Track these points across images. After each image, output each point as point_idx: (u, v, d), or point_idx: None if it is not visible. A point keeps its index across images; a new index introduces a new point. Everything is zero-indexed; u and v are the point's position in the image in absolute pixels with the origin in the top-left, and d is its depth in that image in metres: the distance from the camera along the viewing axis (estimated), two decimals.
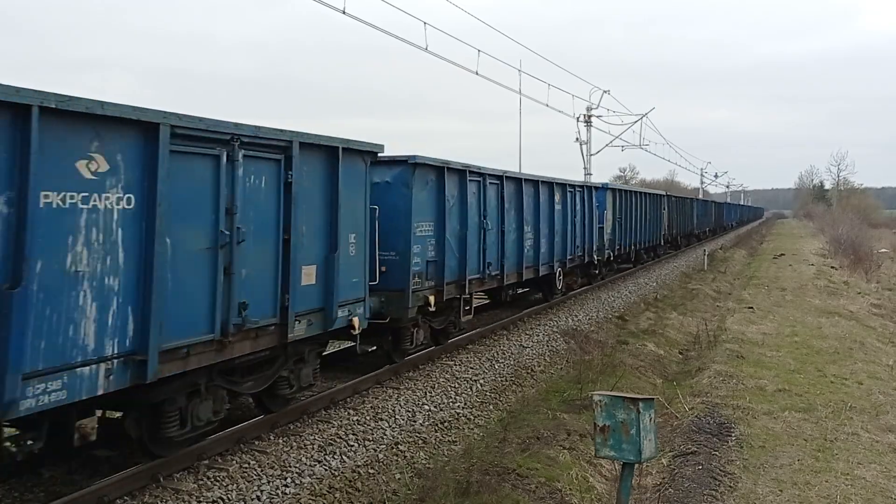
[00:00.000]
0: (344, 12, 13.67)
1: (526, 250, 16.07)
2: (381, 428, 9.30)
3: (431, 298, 11.75)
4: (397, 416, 9.77)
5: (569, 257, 19.38)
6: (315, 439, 8.67)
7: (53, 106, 5.52)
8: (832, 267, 37.17)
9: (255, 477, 7.55)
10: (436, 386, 11.27)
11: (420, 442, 9.17)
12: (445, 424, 9.88)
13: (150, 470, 7.17)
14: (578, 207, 20.20)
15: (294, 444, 8.49)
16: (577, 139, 36.32)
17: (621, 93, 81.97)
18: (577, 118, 36.13)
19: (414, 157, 11.33)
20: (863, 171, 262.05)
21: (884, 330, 20.90)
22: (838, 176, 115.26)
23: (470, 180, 13.15)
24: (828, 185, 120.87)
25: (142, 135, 6.36)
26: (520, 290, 19.36)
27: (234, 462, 7.83)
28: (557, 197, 18.24)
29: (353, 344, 11.10)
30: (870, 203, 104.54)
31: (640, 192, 30.54)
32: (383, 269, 10.81)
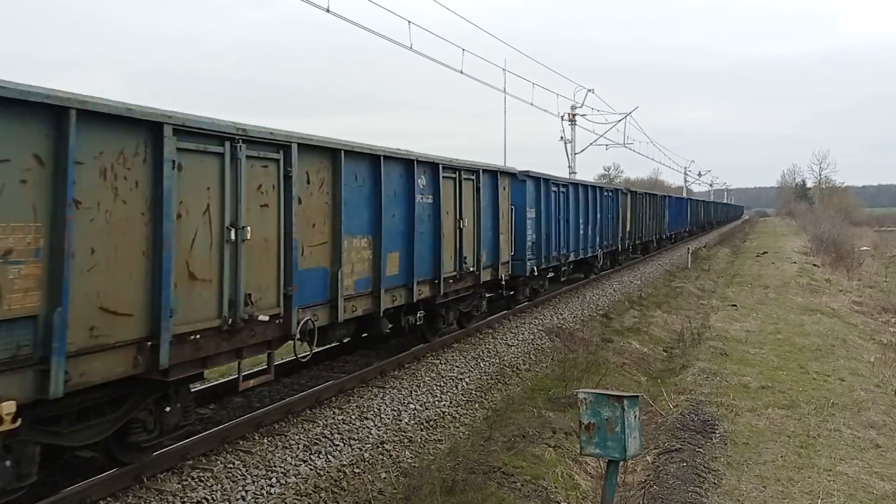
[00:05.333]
0: (328, 10, 13.63)
1: None
2: (367, 427, 9.28)
3: None
4: (383, 415, 9.75)
5: None
6: (300, 439, 8.64)
7: None
8: (814, 265, 37.49)
9: (239, 477, 7.51)
10: (421, 385, 11.26)
11: (406, 441, 9.16)
12: (431, 423, 9.88)
13: (134, 470, 7.11)
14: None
15: (279, 443, 8.46)
16: (561, 138, 36.47)
17: (606, 92, 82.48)
18: (562, 117, 36.26)
19: None
20: (844, 170, 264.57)
21: (865, 327, 21.09)
22: (820, 174, 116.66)
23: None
24: (810, 184, 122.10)
25: None
26: None
27: (219, 462, 7.78)
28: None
29: None
30: (851, 201, 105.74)
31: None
32: None
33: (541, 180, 18.79)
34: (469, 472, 7.93)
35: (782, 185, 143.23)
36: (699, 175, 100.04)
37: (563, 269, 21.26)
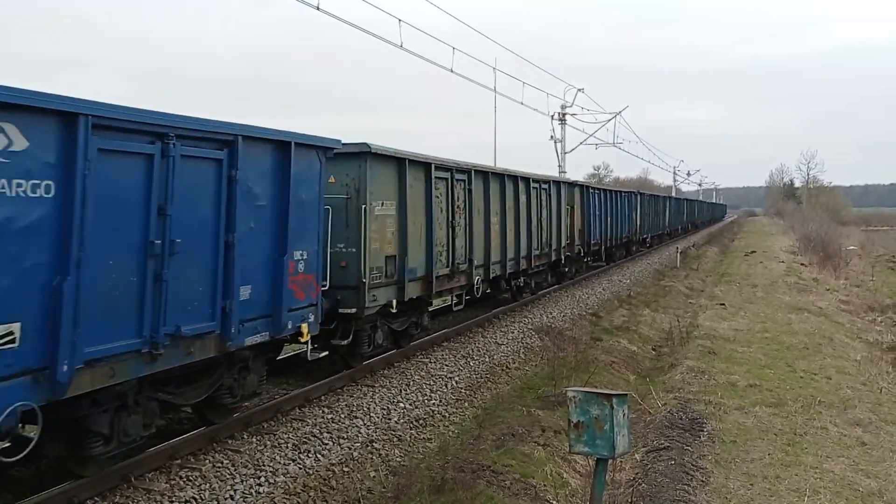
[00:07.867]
0: (318, 8, 13.61)
1: None
2: (356, 426, 9.28)
3: None
4: (372, 414, 9.75)
5: None
6: (289, 438, 8.63)
7: None
8: (802, 264, 37.69)
9: (228, 476, 7.49)
10: (411, 383, 11.26)
11: (395, 439, 9.16)
12: (420, 422, 9.88)
13: (122, 470, 7.08)
14: None
15: (268, 442, 8.44)
16: (551, 137, 36.56)
17: (597, 92, 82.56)
18: (552, 116, 36.35)
19: None
20: (832, 170, 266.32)
21: (852, 326, 21.23)
22: (808, 174, 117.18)
23: None
24: (798, 184, 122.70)
25: None
26: None
27: (207, 461, 7.76)
28: None
29: None
30: (838, 201, 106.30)
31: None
32: None
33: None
34: (458, 471, 7.93)
35: (770, 185, 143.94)
36: (688, 174, 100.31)
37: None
